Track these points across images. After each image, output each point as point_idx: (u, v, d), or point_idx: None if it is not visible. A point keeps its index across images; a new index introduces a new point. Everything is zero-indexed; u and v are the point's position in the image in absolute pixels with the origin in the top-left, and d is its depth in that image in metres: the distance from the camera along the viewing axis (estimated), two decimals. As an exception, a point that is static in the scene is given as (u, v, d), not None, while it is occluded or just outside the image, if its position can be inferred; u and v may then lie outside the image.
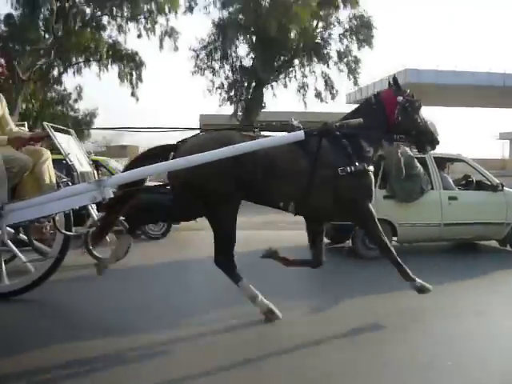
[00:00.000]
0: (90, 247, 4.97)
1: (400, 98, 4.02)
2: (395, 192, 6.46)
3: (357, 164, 3.77)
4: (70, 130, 3.89)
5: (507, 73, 27.04)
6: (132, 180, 3.51)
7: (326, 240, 7.29)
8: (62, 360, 3.09)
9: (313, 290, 5.17)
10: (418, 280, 3.89)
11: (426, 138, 4.16)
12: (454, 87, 27.58)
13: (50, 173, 3.89)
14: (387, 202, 6.45)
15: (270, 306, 3.76)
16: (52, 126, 3.52)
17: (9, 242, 3.98)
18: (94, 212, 5.81)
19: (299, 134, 3.56)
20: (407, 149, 6.35)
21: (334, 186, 3.78)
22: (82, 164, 3.75)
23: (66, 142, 3.63)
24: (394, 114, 4.00)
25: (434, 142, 4.21)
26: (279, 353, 3.24)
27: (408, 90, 4.15)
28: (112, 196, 3.34)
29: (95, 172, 4.04)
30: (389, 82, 4.20)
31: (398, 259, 3.92)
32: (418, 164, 6.49)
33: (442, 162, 7.04)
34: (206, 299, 4.58)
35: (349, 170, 3.73)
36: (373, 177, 4.00)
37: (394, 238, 6.46)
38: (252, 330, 3.68)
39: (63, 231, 4.13)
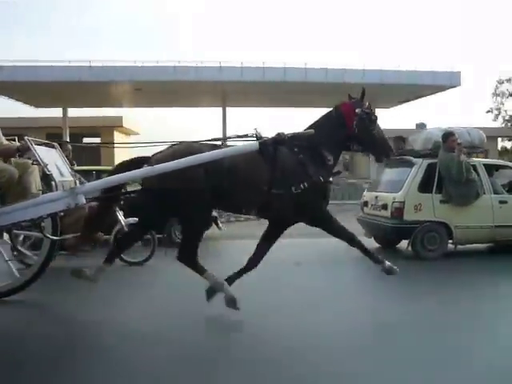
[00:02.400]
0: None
1: (359, 110, 4.32)
2: (451, 196, 7.00)
3: (312, 172, 4.08)
4: (54, 143, 4.27)
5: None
6: (104, 187, 3.88)
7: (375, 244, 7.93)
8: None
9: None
10: (386, 262, 4.18)
11: (381, 148, 4.44)
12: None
13: (36, 182, 4.29)
14: (443, 206, 7.02)
15: (233, 297, 4.05)
16: (33, 140, 3.90)
17: None
18: (122, 218, 6.25)
19: (254, 145, 3.89)
20: (464, 156, 6.97)
21: (292, 193, 4.08)
22: (62, 174, 4.11)
23: (47, 154, 4.00)
24: (351, 125, 4.30)
25: (388, 152, 4.49)
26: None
27: (367, 103, 4.44)
28: (84, 202, 3.71)
29: (77, 181, 4.40)
30: (349, 95, 4.51)
31: (365, 246, 4.25)
32: (473, 170, 7.07)
33: (491, 169, 7.60)
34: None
35: (304, 181, 4.02)
36: (330, 183, 4.31)
37: (450, 240, 7.10)
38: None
39: (49, 236, 4.49)
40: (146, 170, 3.82)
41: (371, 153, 4.59)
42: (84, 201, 3.71)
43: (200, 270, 4.08)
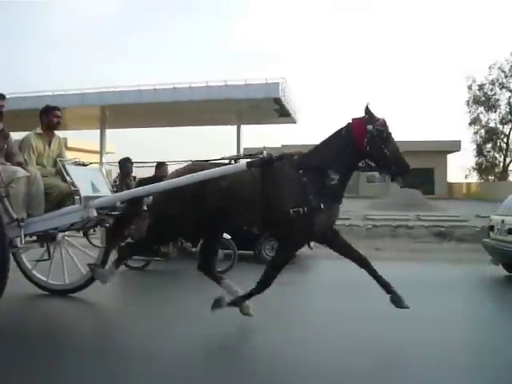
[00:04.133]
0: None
1: (370, 127, 3.93)
2: None
3: (312, 197, 3.87)
4: (86, 162, 4.93)
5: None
6: (112, 203, 4.32)
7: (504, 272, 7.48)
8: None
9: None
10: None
11: (396, 168, 3.99)
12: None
13: None
14: None
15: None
16: (67, 160, 4.60)
17: None
18: None
19: (242, 165, 3.85)
20: None
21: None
22: (97, 190, 4.68)
23: (79, 172, 4.64)
24: (363, 143, 3.93)
25: (403, 173, 4.02)
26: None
27: (381, 119, 4.00)
28: (95, 215, 4.20)
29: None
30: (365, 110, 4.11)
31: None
32: None
33: None
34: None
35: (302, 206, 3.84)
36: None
37: None
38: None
39: (96, 245, 5.15)
40: (147, 188, 4.15)
41: (385, 173, 4.11)
42: (95, 213, 4.18)
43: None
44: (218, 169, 3.99)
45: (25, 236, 4.29)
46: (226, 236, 7.11)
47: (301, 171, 3.96)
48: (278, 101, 21.07)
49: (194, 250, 7.49)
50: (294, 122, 26.13)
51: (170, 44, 68.25)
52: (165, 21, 70.23)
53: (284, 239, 4.12)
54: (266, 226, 4.20)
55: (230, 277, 6.82)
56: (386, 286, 4.10)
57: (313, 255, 9.19)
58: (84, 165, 5.08)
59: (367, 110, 3.97)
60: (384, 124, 3.95)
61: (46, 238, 5.36)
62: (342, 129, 4.09)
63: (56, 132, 5.28)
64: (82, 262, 5.40)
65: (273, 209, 3.92)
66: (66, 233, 5.45)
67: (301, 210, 3.79)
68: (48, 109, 5.14)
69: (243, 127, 25.29)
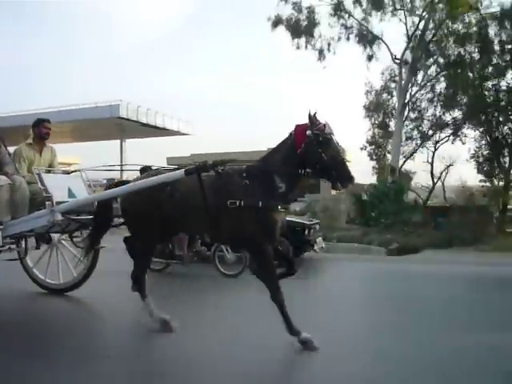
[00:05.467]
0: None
1: (309, 132, 3.89)
2: None
3: (252, 197, 3.90)
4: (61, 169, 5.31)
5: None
6: (77, 207, 4.64)
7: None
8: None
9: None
10: (303, 335, 3.83)
11: (336, 174, 3.87)
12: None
13: None
14: None
15: None
16: (43, 169, 5.00)
17: None
18: None
19: (180, 173, 4.02)
20: None
21: (232, 218, 3.99)
22: (74, 196, 5.03)
23: (54, 180, 5.01)
24: (301, 149, 3.90)
25: (344, 179, 3.89)
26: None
27: (321, 124, 3.93)
28: (60, 219, 4.54)
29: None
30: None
31: (284, 307, 3.85)
32: None
33: None
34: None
35: (238, 204, 3.87)
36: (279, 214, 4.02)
37: None
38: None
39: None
40: (106, 193, 4.49)
41: (325, 178, 4.03)
42: (60, 217, 4.52)
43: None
44: (160, 176, 4.15)
45: (4, 238, 4.74)
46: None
47: (245, 176, 4.03)
48: (120, 119, 24.03)
49: (208, 253, 7.83)
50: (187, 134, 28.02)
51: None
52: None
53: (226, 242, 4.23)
54: (214, 232, 4.27)
55: (240, 280, 7.17)
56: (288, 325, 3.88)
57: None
58: (68, 173, 5.48)
59: (309, 116, 3.97)
60: (323, 129, 3.90)
61: (42, 240, 5.85)
62: (288, 136, 4.12)
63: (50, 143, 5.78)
64: (74, 263, 5.82)
65: (217, 213, 4.02)
66: (63, 236, 5.89)
67: (237, 202, 3.84)
68: (39, 121, 5.63)
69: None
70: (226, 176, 4.07)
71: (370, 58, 18.73)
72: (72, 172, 5.53)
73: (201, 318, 4.83)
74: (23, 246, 5.36)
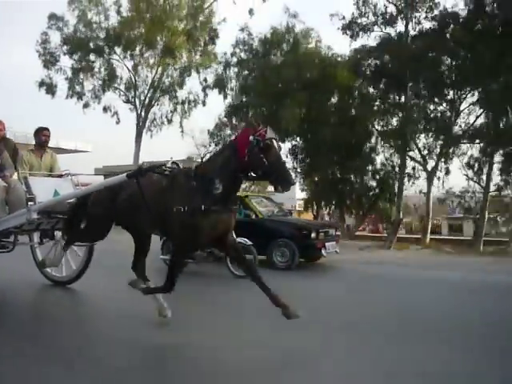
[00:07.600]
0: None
1: (251, 138, 3.98)
2: None
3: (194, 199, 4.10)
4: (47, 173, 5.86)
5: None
6: (51, 206, 5.14)
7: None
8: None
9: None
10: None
11: (277, 178, 3.97)
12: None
13: None
14: None
15: None
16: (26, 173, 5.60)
17: None
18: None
19: (123, 176, 4.34)
20: None
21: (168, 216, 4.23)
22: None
23: (41, 182, 5.57)
24: (243, 154, 4.02)
25: (282, 182, 3.97)
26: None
27: (265, 129, 4.03)
28: (35, 217, 5.06)
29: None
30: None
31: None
32: None
33: None
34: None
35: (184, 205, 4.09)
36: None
37: None
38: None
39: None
40: (68, 194, 4.94)
41: (269, 182, 4.13)
42: (35, 216, 5.05)
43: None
44: (108, 179, 4.53)
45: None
46: (247, 241, 7.47)
47: (191, 178, 4.22)
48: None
49: (221, 253, 8.05)
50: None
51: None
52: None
53: (173, 240, 4.48)
54: (160, 228, 4.57)
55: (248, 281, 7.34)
56: (273, 298, 4.13)
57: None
58: (60, 176, 6.04)
59: (251, 122, 4.10)
60: (264, 134, 3.99)
61: (45, 236, 6.48)
62: (231, 140, 4.31)
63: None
64: (75, 258, 6.40)
65: (162, 212, 4.26)
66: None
67: (182, 208, 4.05)
68: (38, 130, 6.24)
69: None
70: (168, 178, 4.33)
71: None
72: (62, 176, 6.08)
73: (200, 318, 5.04)
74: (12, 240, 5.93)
